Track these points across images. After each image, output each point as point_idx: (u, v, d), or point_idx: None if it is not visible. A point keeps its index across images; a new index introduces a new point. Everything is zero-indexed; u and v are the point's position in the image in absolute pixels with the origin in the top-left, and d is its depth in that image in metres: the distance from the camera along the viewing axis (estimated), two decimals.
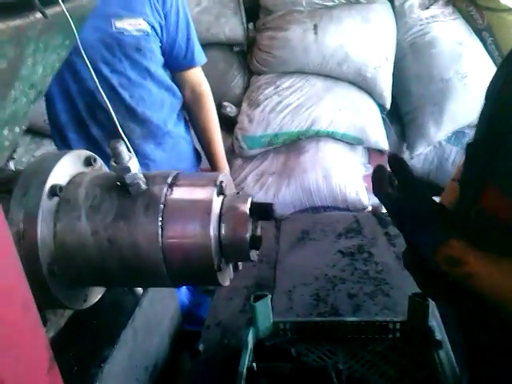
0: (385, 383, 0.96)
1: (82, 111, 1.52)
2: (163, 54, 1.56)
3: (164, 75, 1.58)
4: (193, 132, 1.76)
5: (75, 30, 0.82)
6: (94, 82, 1.39)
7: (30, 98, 0.84)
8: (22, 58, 0.73)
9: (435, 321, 1.03)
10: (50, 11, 0.73)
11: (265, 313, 1.06)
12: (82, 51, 0.97)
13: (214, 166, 1.71)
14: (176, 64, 1.59)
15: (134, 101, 1.52)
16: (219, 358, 1.07)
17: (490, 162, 0.67)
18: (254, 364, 0.96)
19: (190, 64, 1.61)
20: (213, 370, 1.05)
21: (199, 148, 1.77)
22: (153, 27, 1.48)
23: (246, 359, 0.96)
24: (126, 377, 0.89)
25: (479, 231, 0.68)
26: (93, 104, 1.50)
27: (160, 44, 1.53)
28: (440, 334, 0.99)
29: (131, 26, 1.44)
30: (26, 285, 0.47)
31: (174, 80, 1.63)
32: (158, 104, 1.57)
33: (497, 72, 0.71)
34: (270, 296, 1.06)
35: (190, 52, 1.59)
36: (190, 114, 1.70)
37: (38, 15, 0.69)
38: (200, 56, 1.63)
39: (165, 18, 1.50)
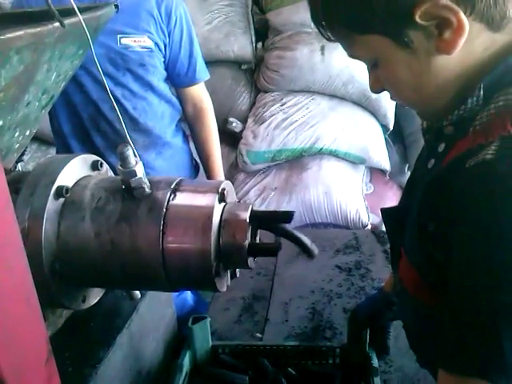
0: None
1: (86, 121, 1.56)
2: (166, 70, 1.60)
3: (165, 88, 1.62)
4: (192, 144, 1.79)
5: (90, 40, 0.86)
6: (101, 93, 1.45)
7: (42, 103, 0.87)
8: (38, 64, 0.76)
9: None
10: (67, 21, 0.76)
11: (203, 336, 1.01)
12: (97, 62, 1.00)
13: None
14: (178, 80, 1.63)
15: (136, 112, 1.56)
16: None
17: (401, 229, 0.65)
18: None
19: (192, 81, 1.64)
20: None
21: (197, 159, 1.80)
22: (156, 44, 1.52)
23: None
24: (119, 380, 0.89)
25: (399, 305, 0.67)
26: (96, 115, 1.54)
27: (163, 59, 1.57)
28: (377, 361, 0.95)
29: (136, 42, 1.48)
30: (30, 280, 0.48)
31: (176, 94, 1.66)
32: (159, 115, 1.61)
33: None
34: (208, 319, 1.01)
35: (192, 69, 1.62)
36: (191, 129, 1.73)
37: (56, 24, 0.73)
38: (202, 73, 1.66)
39: (168, 36, 1.54)
